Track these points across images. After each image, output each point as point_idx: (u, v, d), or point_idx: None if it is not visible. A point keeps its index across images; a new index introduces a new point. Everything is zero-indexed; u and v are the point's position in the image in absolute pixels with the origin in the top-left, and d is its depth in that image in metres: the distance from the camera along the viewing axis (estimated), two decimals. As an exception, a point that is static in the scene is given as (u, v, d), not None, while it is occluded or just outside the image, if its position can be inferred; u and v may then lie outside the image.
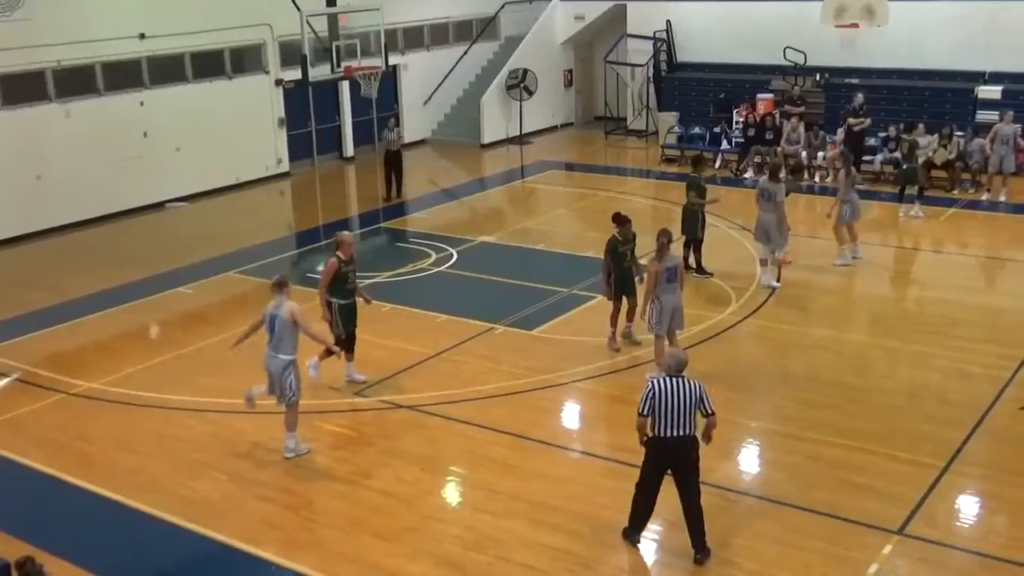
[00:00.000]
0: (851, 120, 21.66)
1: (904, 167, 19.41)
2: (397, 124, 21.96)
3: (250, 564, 8.84)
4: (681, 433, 8.24)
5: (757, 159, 22.57)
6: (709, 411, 8.33)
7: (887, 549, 8.66)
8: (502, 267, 16.71)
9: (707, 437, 8.50)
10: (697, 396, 8.25)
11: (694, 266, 15.65)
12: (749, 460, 10.54)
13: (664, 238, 11.86)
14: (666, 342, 11.98)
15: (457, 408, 11.58)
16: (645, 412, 8.26)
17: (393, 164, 21.56)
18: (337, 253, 11.83)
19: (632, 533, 8.81)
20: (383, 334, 13.33)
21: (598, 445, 10.75)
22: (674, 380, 8.27)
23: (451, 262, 16.92)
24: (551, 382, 12.22)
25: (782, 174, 16.21)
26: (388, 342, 13.24)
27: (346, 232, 12.35)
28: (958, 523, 9.25)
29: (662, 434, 8.26)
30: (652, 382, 8.32)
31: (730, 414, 11.24)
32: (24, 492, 10.28)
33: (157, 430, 11.36)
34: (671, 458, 8.39)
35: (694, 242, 15.74)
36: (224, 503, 9.75)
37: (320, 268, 13.29)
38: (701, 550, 8.50)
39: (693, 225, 15.67)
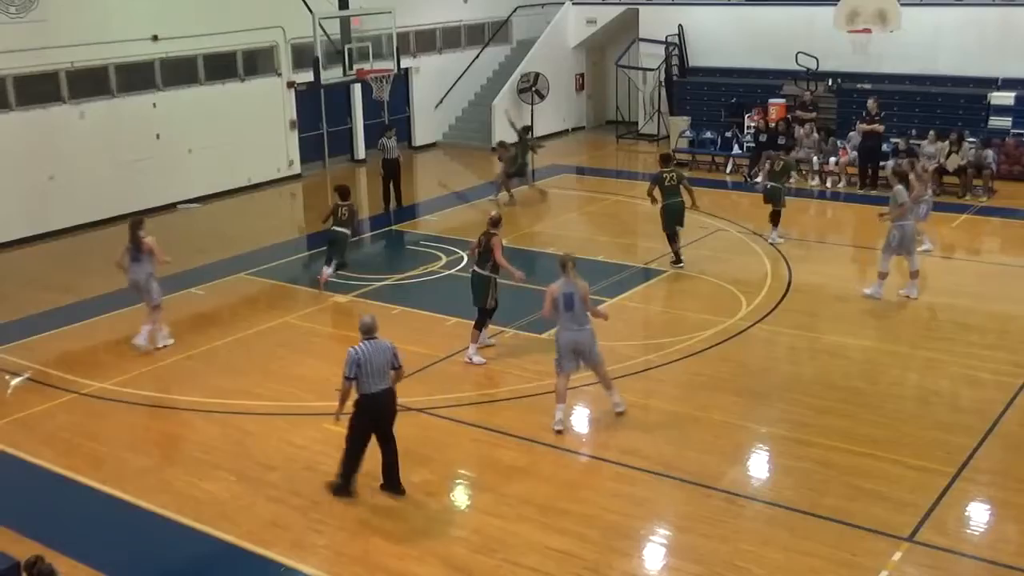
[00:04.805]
0: (862, 126, 21.55)
1: (768, 186, 17.72)
2: (395, 133, 21.35)
3: (258, 565, 8.86)
4: (384, 387, 9.43)
5: (768, 164, 22.50)
6: (398, 364, 9.57)
7: (896, 556, 8.63)
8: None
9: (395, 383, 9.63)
10: (392, 353, 9.47)
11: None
12: (758, 465, 10.52)
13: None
14: None
15: (466, 411, 11.60)
16: (352, 375, 9.29)
17: (391, 173, 20.92)
18: (494, 232, 12.83)
19: (345, 488, 9.66)
20: (393, 337, 13.25)
21: (607, 449, 10.73)
22: (372, 343, 9.41)
23: (461, 265, 16.91)
24: (560, 386, 12.20)
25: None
26: (398, 345, 13.13)
27: (497, 211, 13.99)
28: (968, 530, 9.22)
29: (371, 391, 9.36)
30: (353, 349, 9.33)
31: (739, 419, 11.28)
32: (34, 491, 10.32)
33: (167, 431, 11.40)
34: (381, 410, 9.48)
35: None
36: (233, 504, 9.78)
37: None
38: (398, 489, 9.69)
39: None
